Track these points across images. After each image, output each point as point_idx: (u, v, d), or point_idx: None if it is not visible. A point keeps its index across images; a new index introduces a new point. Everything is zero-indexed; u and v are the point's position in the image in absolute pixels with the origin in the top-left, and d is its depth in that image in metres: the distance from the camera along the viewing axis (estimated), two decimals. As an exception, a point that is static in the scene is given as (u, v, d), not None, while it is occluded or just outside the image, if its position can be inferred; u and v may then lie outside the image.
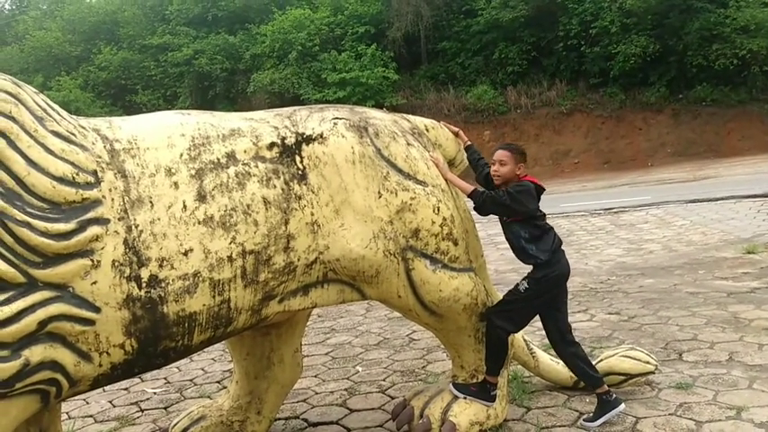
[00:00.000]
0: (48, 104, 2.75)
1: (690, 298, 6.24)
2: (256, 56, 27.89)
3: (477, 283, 3.58)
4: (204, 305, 2.85)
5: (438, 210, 3.37)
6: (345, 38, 27.83)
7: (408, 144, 3.43)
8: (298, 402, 4.46)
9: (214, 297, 2.88)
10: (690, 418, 3.61)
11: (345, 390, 4.66)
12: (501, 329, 3.58)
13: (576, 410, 3.87)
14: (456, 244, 3.46)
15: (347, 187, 3.18)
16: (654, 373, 4.17)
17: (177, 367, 5.61)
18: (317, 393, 4.65)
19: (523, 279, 3.61)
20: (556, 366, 4.22)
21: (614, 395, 3.67)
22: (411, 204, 3.29)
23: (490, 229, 11.87)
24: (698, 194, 13.87)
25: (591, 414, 3.67)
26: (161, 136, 2.96)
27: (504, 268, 8.55)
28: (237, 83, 28.26)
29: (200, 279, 2.82)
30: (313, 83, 26.69)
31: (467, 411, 3.56)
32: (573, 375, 4.01)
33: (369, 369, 5.09)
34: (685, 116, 24.41)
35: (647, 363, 4.13)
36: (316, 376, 5.03)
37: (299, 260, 3.10)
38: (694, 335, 5.07)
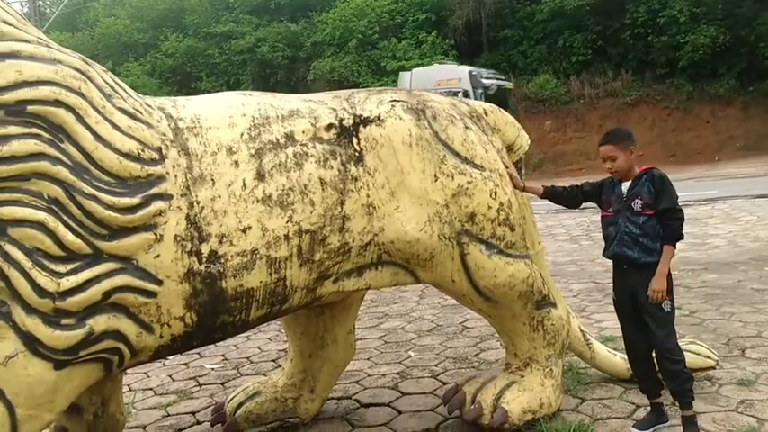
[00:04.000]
0: (115, 82, 2.84)
1: (755, 294, 6.03)
2: (317, 44, 28.10)
3: (534, 270, 3.54)
4: (261, 282, 2.91)
5: (495, 194, 3.34)
6: (406, 25, 27.74)
7: (466, 128, 3.40)
8: (350, 383, 4.51)
9: (271, 274, 2.93)
10: (751, 415, 3.50)
11: (397, 373, 4.68)
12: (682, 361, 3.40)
13: (633, 403, 3.80)
14: (512, 230, 3.42)
15: (403, 170, 3.18)
16: (714, 368, 4.04)
17: (234, 345, 5.74)
18: (369, 375, 4.69)
19: (664, 302, 3.36)
20: (613, 358, 4.14)
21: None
22: (467, 188, 3.27)
23: (548, 220, 11.76)
24: (766, 190, 13.32)
25: (641, 420, 3.54)
26: (223, 115, 3.02)
27: (562, 260, 8.42)
28: (298, 71, 28.55)
29: (258, 256, 2.87)
30: (372, 71, 26.74)
31: (519, 399, 3.53)
32: (630, 368, 3.91)
33: (421, 354, 5.10)
34: (756, 109, 23.42)
35: (708, 357, 4.01)
36: (368, 359, 5.07)
37: (353, 241, 3.13)
38: (758, 332, 4.90)
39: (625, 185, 3.48)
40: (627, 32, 24.87)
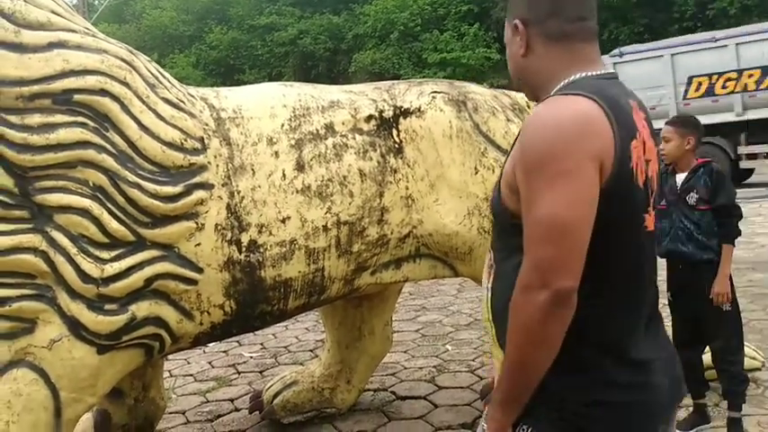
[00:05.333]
0: (159, 72, 2.87)
1: (804, 295, 5.85)
2: (358, 36, 28.14)
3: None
4: (300, 272, 2.92)
5: (536, 189, 3.29)
6: (448, 17, 27.56)
7: (508, 120, 3.36)
8: (387, 375, 4.52)
9: (309, 265, 2.94)
10: (799, 420, 3.40)
11: (434, 367, 4.67)
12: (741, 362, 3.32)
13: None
14: (553, 224, 3.36)
15: (443, 162, 3.16)
16: (760, 369, 3.93)
17: (273, 334, 5.80)
18: (405, 368, 4.69)
19: (727, 304, 3.29)
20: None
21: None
22: (508, 182, 3.23)
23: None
24: (819, 187, 12.90)
25: (682, 420, 3.44)
26: (264, 106, 3.03)
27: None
28: (339, 63, 28.64)
29: (297, 246, 2.89)
30: (413, 63, 26.67)
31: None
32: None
33: (458, 348, 5.08)
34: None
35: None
36: (405, 352, 5.07)
37: (392, 233, 3.12)
38: (808, 334, 4.75)
39: (679, 177, 3.39)
40: (675, 26, 24.27)
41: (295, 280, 2.92)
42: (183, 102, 2.82)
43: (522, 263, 1.29)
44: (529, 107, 3.68)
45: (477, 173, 3.19)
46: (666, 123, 3.42)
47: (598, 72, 1.45)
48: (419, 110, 3.20)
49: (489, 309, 1.52)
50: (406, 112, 3.19)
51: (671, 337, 3.44)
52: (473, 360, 4.75)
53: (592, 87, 1.35)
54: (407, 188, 3.12)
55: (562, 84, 1.42)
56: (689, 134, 3.34)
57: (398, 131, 3.16)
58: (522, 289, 1.27)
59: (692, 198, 3.29)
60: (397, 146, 3.14)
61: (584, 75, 1.42)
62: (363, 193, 3.03)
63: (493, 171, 3.21)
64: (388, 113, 3.18)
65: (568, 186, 1.24)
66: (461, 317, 6.04)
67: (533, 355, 1.28)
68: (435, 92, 3.29)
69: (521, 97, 3.71)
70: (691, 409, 3.48)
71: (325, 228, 2.95)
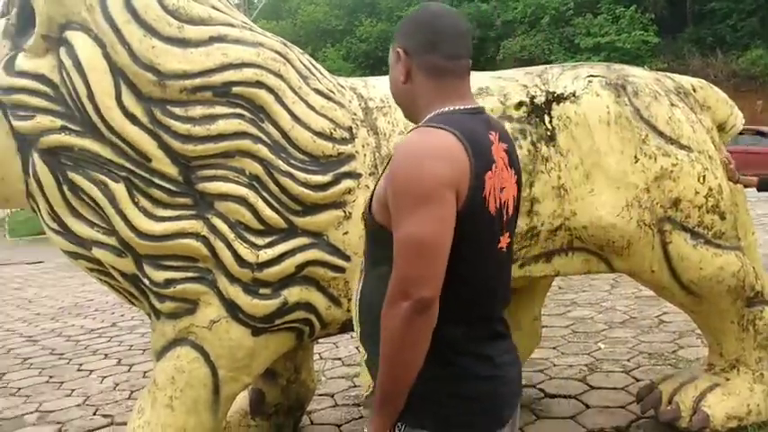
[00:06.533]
0: (311, 64, 2.93)
1: None
2: (507, 22, 27.59)
3: (745, 263, 3.16)
4: (447, 263, 2.88)
5: (703, 179, 3.03)
6: (602, 0, 26.31)
7: (672, 105, 3.10)
8: (534, 372, 4.37)
9: (456, 256, 2.89)
10: None
11: (586, 365, 4.46)
12: None
13: None
14: (723, 218, 3.08)
15: (600, 150, 2.97)
16: None
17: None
18: (555, 365, 4.51)
19: None
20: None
21: None
22: (672, 171, 2.99)
23: (758, 208, 10.58)
24: None
25: None
26: (412, 95, 3.01)
27: (777, 253, 7.54)
28: (487, 50, 28.22)
29: (444, 237, 2.84)
30: (565, 48, 25.73)
31: (723, 403, 3.20)
32: None
33: (612, 347, 4.82)
34: None
35: None
36: (554, 348, 4.89)
37: (542, 225, 2.99)
38: None
39: None
40: None
41: (443, 271, 2.88)
42: (332, 92, 2.86)
43: (391, 277, 1.45)
44: (695, 90, 3.39)
45: (636, 161, 2.98)
46: None
47: (466, 107, 1.59)
48: (574, 95, 3.03)
49: (358, 311, 1.72)
50: (559, 98, 3.04)
51: None
52: (628, 360, 4.49)
53: (455, 122, 1.51)
54: (560, 178, 2.97)
55: (433, 114, 1.57)
56: None
57: (551, 118, 3.01)
58: (389, 300, 1.44)
59: None
60: (549, 133, 3.00)
61: (452, 108, 1.57)
62: (513, 183, 2.92)
63: (655, 159, 2.98)
64: (540, 99, 3.04)
65: (428, 210, 1.42)
66: (615, 314, 5.73)
67: (402, 359, 1.45)
68: (591, 75, 3.11)
69: (685, 80, 3.43)
70: None
71: (473, 218, 2.88)
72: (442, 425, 1.53)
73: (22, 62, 2.66)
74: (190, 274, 2.70)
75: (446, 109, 1.57)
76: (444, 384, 1.53)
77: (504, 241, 1.60)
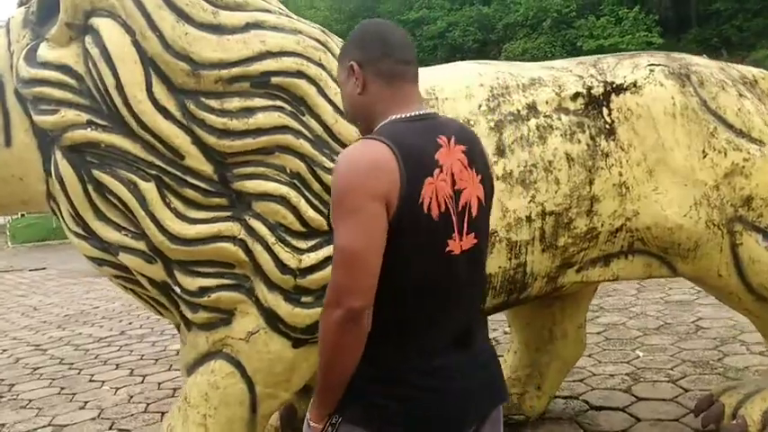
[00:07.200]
0: (352, 52, 2.71)
1: None
2: (509, 25, 27.41)
3: (818, 266, 2.95)
4: (500, 267, 2.66)
5: (776, 175, 2.81)
6: (604, 2, 26.16)
7: (740, 95, 2.89)
8: (574, 382, 4.15)
9: (510, 259, 2.67)
10: None
11: (627, 375, 4.23)
12: None
13: None
14: (796, 217, 2.87)
15: (665, 144, 2.76)
16: None
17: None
18: (594, 375, 4.29)
19: None
20: None
21: None
22: (743, 167, 2.77)
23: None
24: None
25: None
26: (460, 86, 2.80)
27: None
28: (488, 54, 28.00)
29: (497, 239, 2.63)
30: (567, 51, 25.50)
31: (796, 418, 2.98)
32: None
33: (651, 355, 4.60)
34: None
35: None
36: (590, 356, 4.65)
37: (602, 226, 2.77)
38: None
39: None
40: None
41: (494, 276, 2.67)
42: (378, 83, 2.64)
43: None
44: (757, 81, 3.17)
45: (705, 156, 2.77)
46: None
47: (411, 114, 1.60)
48: (635, 85, 2.82)
49: None
50: (618, 89, 2.82)
51: None
52: (671, 369, 4.26)
53: (393, 132, 1.54)
54: (621, 174, 2.75)
55: (384, 122, 1.59)
56: None
57: (610, 110, 2.80)
58: (324, 306, 1.50)
59: None
60: (608, 127, 2.78)
61: (395, 117, 1.59)
62: (571, 181, 2.71)
63: (725, 154, 2.77)
64: (598, 90, 2.83)
65: (356, 221, 1.46)
66: (648, 319, 5.51)
67: (335, 360, 1.51)
68: (653, 64, 2.89)
69: (747, 70, 3.22)
70: None
71: (529, 218, 2.67)
72: (374, 423, 1.55)
73: (45, 52, 2.43)
74: (226, 282, 2.47)
75: (389, 119, 1.59)
76: (380, 385, 1.55)
77: (463, 243, 1.57)
